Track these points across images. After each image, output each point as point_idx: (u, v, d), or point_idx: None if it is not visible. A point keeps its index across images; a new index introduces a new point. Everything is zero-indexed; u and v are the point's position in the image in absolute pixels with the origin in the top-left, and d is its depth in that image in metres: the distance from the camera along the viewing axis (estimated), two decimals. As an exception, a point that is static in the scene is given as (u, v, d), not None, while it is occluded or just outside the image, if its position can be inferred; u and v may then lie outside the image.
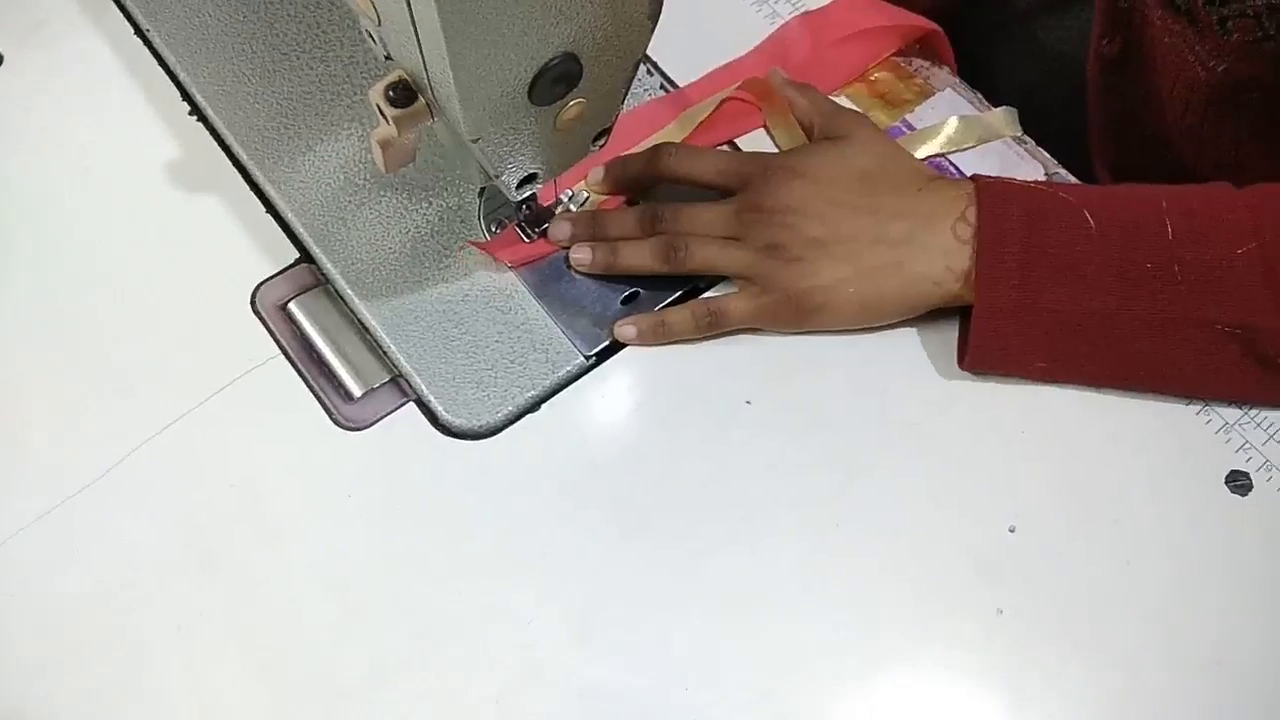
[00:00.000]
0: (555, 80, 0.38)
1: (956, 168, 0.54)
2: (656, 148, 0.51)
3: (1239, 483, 0.47)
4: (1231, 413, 0.48)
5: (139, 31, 0.56)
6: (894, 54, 0.57)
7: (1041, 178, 0.53)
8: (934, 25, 0.56)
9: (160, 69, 0.55)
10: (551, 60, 0.38)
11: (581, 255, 0.50)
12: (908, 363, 0.49)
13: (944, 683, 0.43)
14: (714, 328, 0.49)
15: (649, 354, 0.49)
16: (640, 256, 0.49)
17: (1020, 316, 0.46)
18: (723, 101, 0.54)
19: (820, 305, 0.48)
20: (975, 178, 0.48)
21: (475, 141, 0.40)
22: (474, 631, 0.43)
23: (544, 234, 0.50)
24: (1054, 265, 0.45)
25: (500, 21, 0.35)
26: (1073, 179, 0.54)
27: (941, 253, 0.47)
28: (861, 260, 0.47)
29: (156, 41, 0.55)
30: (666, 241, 0.49)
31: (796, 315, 0.48)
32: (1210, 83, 0.51)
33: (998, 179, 0.48)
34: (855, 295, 0.47)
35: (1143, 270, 0.45)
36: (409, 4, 0.35)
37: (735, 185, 0.49)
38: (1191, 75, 0.52)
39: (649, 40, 0.41)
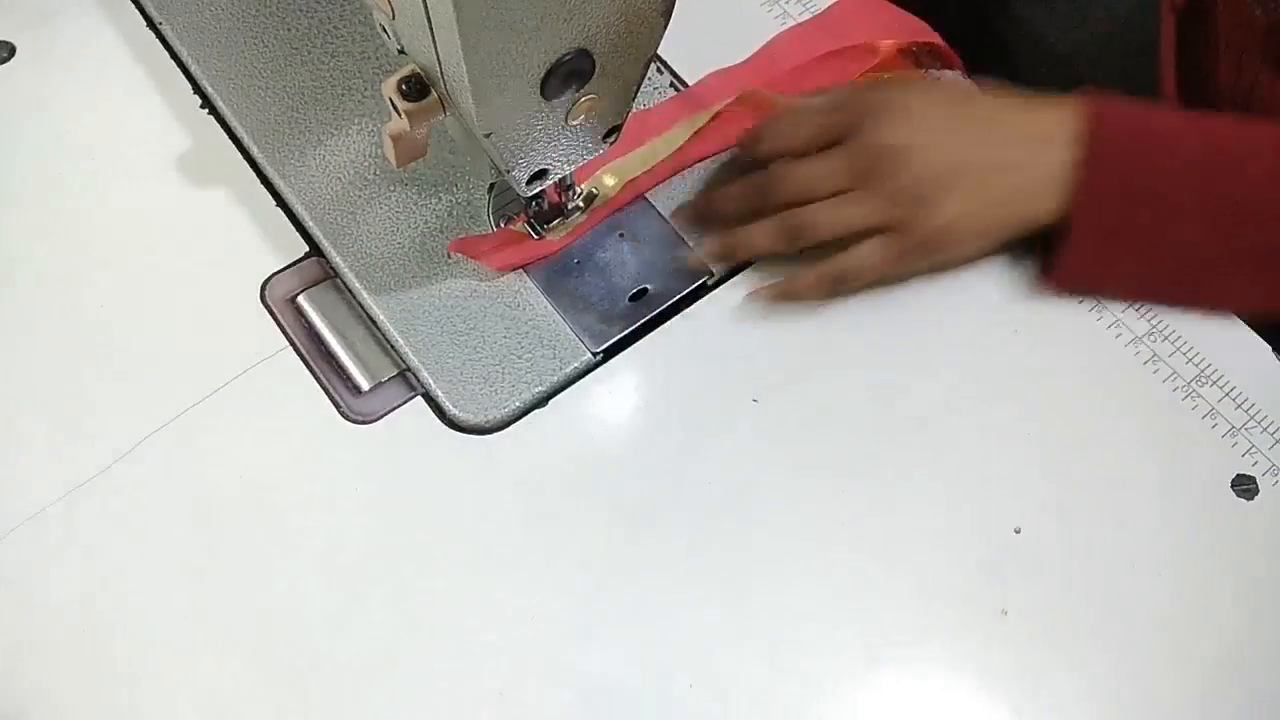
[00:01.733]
0: (568, 76, 0.39)
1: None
2: (749, 141, 0.50)
3: (1245, 487, 0.47)
4: (1238, 416, 0.48)
5: (151, 24, 0.56)
6: (901, 53, 0.56)
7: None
8: (932, 35, 0.55)
9: (172, 61, 0.55)
10: (564, 56, 0.38)
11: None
12: (914, 363, 0.49)
13: (948, 683, 0.43)
14: (844, 291, 0.49)
15: (656, 351, 0.49)
16: (762, 240, 0.49)
17: (1114, 238, 0.46)
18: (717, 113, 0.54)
19: (948, 243, 0.48)
20: (1080, 97, 0.47)
21: (487, 136, 0.40)
22: (477, 625, 0.43)
23: (551, 231, 0.51)
24: (1151, 191, 0.46)
25: (514, 16, 0.35)
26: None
27: (1050, 177, 0.46)
28: (982, 191, 0.47)
29: (168, 34, 0.55)
30: (786, 223, 0.48)
31: (927, 257, 0.48)
32: (1267, 27, 0.51)
33: (1103, 97, 0.47)
34: (978, 225, 0.47)
35: (1233, 204, 0.46)
36: (424, -2, 0.35)
37: (838, 136, 0.48)
38: (1249, 19, 0.52)
39: (661, 37, 0.41)
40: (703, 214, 0.51)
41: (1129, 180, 0.46)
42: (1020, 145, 0.47)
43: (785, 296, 0.49)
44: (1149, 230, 0.46)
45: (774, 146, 0.50)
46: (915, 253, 0.48)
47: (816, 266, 0.48)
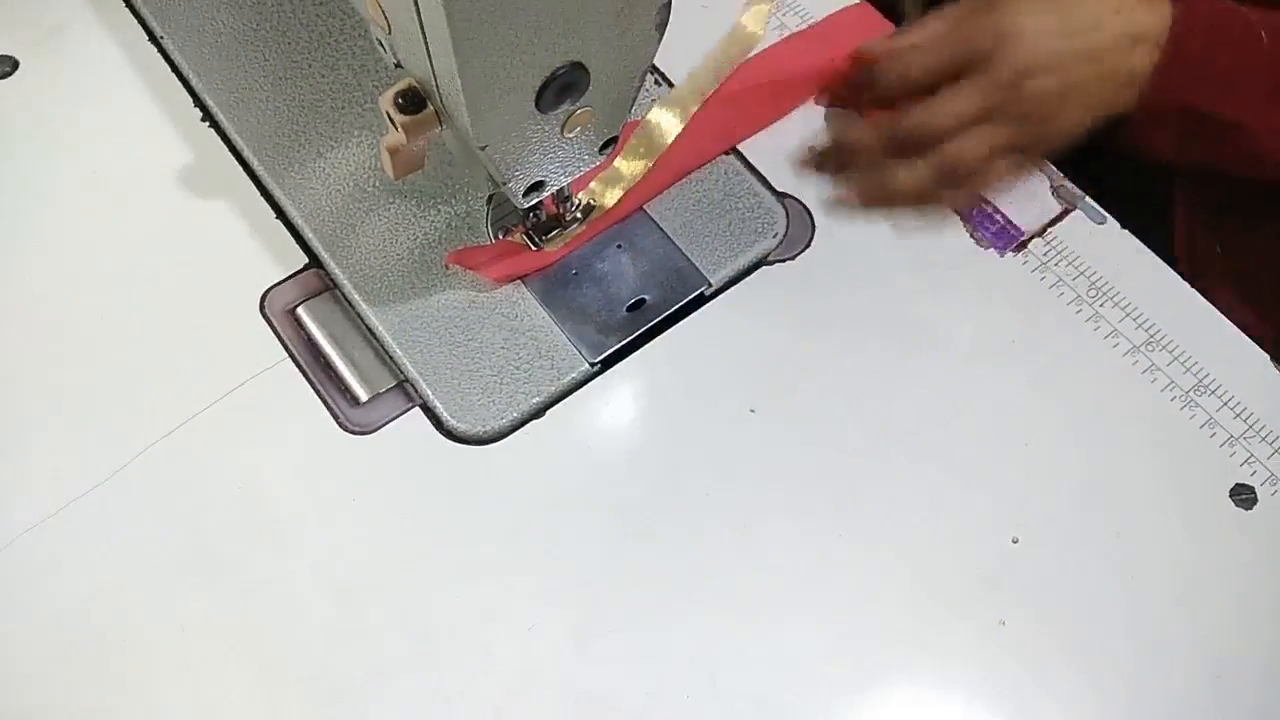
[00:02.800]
0: (563, 89, 0.39)
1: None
2: (869, 73, 0.52)
3: (1243, 496, 0.47)
4: (1237, 425, 0.48)
5: (153, 38, 0.57)
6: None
7: (1048, 190, 0.54)
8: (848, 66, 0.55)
9: (173, 75, 0.55)
10: (559, 69, 0.38)
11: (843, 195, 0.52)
12: (910, 373, 0.49)
13: (945, 693, 0.43)
14: (953, 188, 0.51)
15: (654, 362, 0.49)
16: (913, 182, 0.50)
17: (1182, 120, 0.50)
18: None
19: (1065, 144, 0.50)
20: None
21: (483, 149, 0.40)
22: (475, 636, 0.43)
23: (549, 242, 0.51)
24: (1222, 76, 0.49)
25: (508, 31, 0.35)
26: (1078, 191, 0.54)
27: (1135, 74, 0.49)
28: (1100, 95, 0.49)
29: (170, 48, 0.56)
30: (940, 166, 0.49)
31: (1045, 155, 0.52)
32: None
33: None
34: (1092, 124, 0.50)
35: None
36: (418, 12, 0.35)
37: (961, 65, 0.49)
38: None
39: (656, 51, 0.41)
40: (829, 162, 0.53)
41: (1204, 69, 0.49)
42: (1120, 52, 0.49)
43: (886, 198, 0.51)
44: (1221, 107, 0.50)
45: (899, 79, 0.51)
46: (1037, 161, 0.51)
47: (926, 159, 0.50)
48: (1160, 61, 0.49)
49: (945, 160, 0.49)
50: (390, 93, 0.41)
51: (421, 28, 0.36)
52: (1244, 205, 0.59)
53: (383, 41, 0.41)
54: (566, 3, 0.35)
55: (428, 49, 0.37)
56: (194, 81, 0.55)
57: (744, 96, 0.55)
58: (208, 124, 0.54)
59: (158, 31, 0.56)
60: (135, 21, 0.57)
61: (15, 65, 0.56)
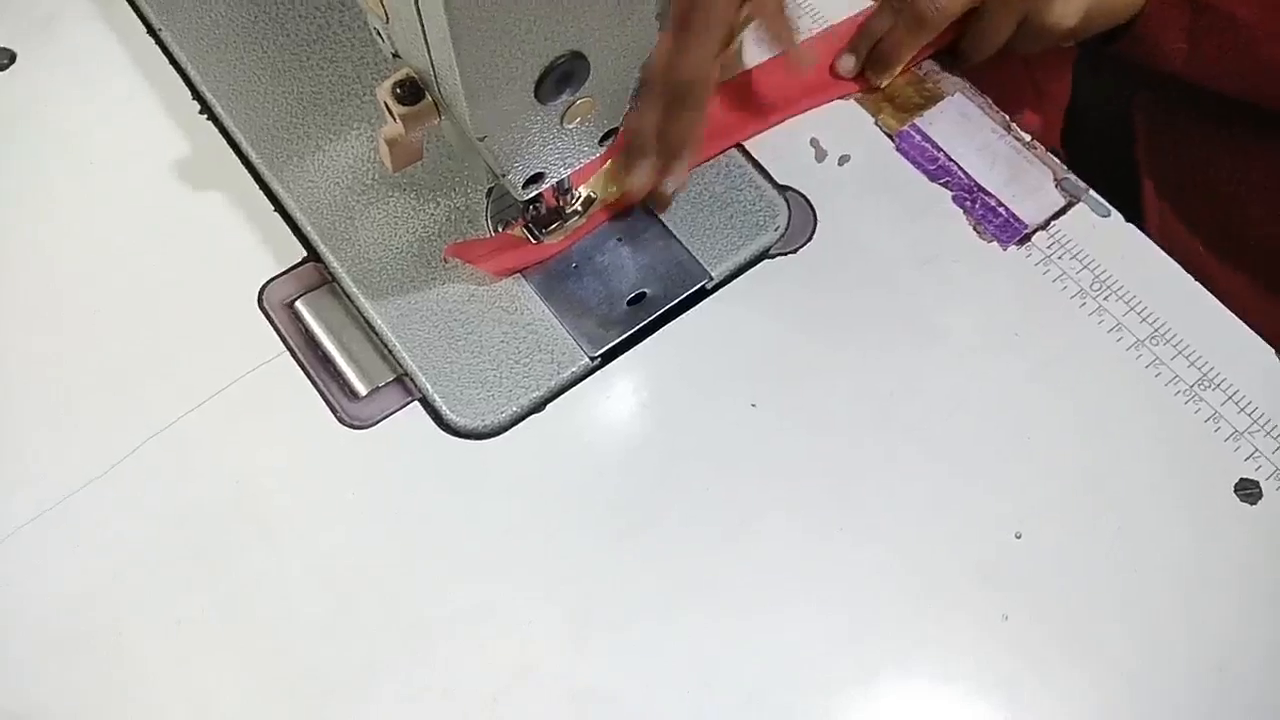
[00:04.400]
0: (562, 79, 0.38)
1: (960, 166, 0.53)
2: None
3: (1248, 491, 0.46)
4: (1242, 420, 0.48)
5: (150, 29, 0.56)
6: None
7: (1051, 183, 0.53)
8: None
9: (171, 67, 0.55)
10: (558, 59, 0.38)
11: (847, 63, 0.56)
12: (912, 368, 0.49)
13: (949, 688, 0.43)
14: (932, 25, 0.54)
15: (654, 356, 0.49)
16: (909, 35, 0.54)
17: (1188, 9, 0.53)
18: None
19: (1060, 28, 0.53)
20: None
21: (482, 140, 0.40)
22: (472, 631, 0.43)
23: (549, 235, 0.50)
24: None
25: (507, 19, 0.35)
26: (1082, 184, 0.53)
27: None
28: None
29: (168, 39, 0.56)
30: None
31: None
32: None
33: None
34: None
35: None
36: (416, 1, 0.35)
37: None
38: None
39: (656, 39, 0.41)
40: (860, 48, 0.56)
41: None
42: None
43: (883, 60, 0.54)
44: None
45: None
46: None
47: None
48: None
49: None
50: (388, 83, 0.40)
51: (419, 17, 0.35)
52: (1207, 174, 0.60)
53: (380, 31, 0.41)
54: (566, -9, 0.35)
55: (425, 38, 0.36)
56: (192, 73, 0.55)
57: (755, 93, 0.55)
58: (206, 116, 0.54)
59: (156, 23, 0.56)
60: (133, 13, 0.57)
61: (13, 58, 0.55)
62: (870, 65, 0.56)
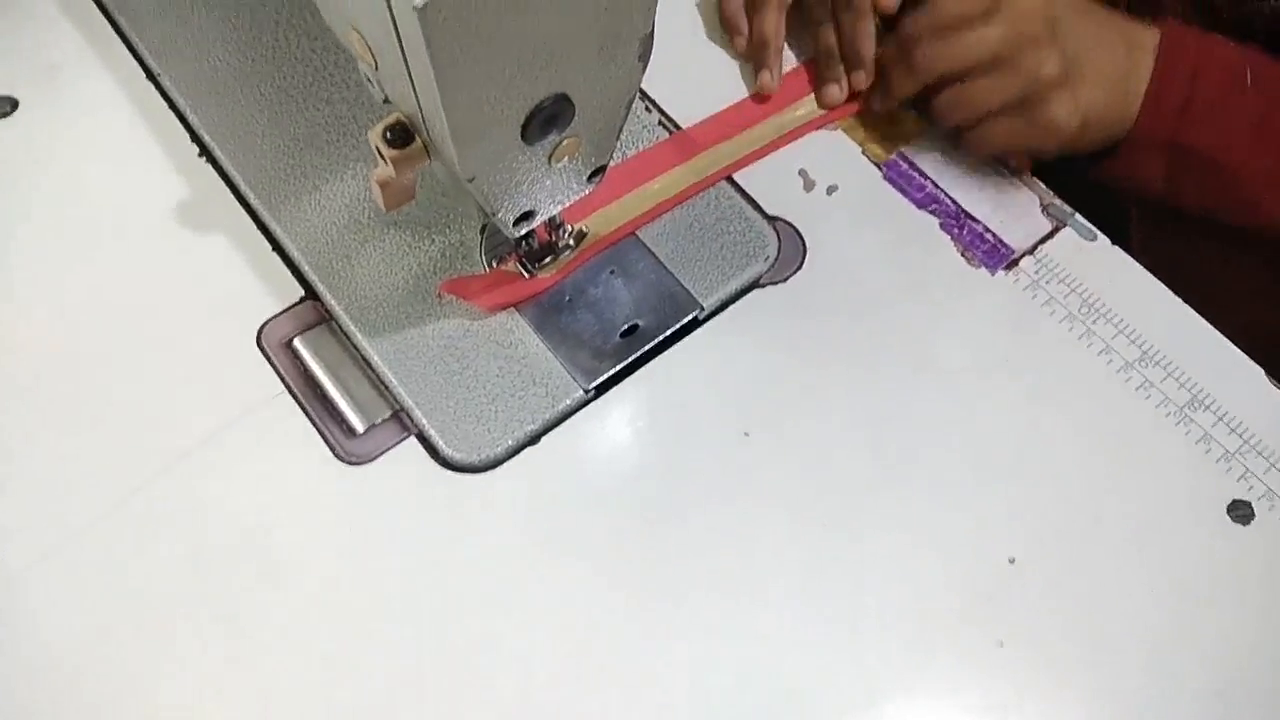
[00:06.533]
0: (548, 121, 0.39)
1: (947, 194, 0.54)
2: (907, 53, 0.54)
3: (1240, 512, 0.47)
4: (1232, 441, 0.48)
5: (150, 75, 0.57)
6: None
7: (1037, 208, 0.54)
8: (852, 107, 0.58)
9: (170, 111, 0.56)
10: (543, 101, 0.38)
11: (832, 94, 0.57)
12: (904, 394, 0.49)
13: (945, 715, 0.43)
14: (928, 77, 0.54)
15: (647, 387, 0.50)
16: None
17: (1167, 149, 0.52)
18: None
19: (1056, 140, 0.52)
20: (1159, 24, 0.52)
21: (470, 181, 0.41)
22: (471, 665, 0.43)
23: (542, 269, 0.51)
24: (1206, 107, 0.51)
25: (492, 65, 0.36)
26: (1068, 209, 0.54)
27: (1138, 83, 0.52)
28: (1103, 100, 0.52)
29: (166, 85, 0.57)
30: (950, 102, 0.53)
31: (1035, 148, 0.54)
32: None
33: (1178, 28, 0.52)
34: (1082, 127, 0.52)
35: (1275, 127, 0.51)
36: (402, 49, 0.36)
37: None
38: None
39: (640, 80, 0.41)
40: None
41: (1190, 94, 0.51)
42: (1124, 51, 0.52)
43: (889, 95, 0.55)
44: (1203, 141, 0.52)
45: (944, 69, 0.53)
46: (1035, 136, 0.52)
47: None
48: (1147, 90, 0.51)
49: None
50: (378, 128, 0.41)
51: (405, 63, 0.36)
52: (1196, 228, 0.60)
53: (370, 77, 0.42)
54: (549, 36, 0.36)
55: (413, 84, 0.37)
56: (190, 118, 0.56)
57: (743, 127, 0.56)
58: (204, 159, 0.55)
59: (155, 69, 0.57)
60: (133, 60, 0.58)
61: (15, 105, 0.57)
62: (874, 90, 0.57)
